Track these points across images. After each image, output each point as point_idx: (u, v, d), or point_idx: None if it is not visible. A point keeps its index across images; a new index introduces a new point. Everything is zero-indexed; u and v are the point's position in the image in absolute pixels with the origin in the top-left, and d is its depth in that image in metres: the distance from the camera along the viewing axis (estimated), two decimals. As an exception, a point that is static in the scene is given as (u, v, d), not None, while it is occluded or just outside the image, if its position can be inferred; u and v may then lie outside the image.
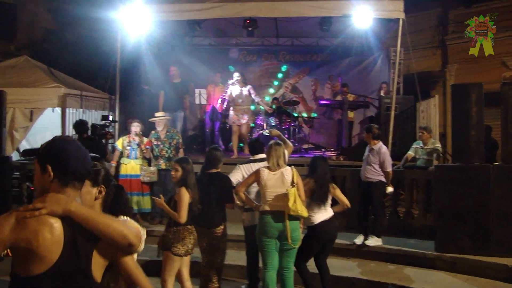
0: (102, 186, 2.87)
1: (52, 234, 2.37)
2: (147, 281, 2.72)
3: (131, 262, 2.58)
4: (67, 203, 2.43)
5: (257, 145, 7.47)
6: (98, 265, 2.50)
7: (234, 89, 12.51)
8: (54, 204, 2.41)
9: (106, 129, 9.70)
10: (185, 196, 6.05)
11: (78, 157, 2.58)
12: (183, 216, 6.04)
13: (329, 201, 6.86)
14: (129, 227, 2.46)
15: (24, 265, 2.38)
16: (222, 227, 6.65)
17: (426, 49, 17.35)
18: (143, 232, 2.66)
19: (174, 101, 12.87)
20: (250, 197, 6.68)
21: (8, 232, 2.33)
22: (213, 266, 6.66)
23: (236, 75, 12.65)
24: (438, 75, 17.91)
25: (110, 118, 10.64)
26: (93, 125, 9.39)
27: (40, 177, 2.53)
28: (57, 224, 2.40)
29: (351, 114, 14.28)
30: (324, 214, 6.74)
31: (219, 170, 6.90)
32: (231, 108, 12.67)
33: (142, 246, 2.55)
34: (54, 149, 2.57)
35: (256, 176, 6.42)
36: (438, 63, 17.92)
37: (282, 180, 6.33)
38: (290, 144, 7.59)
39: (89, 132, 10.05)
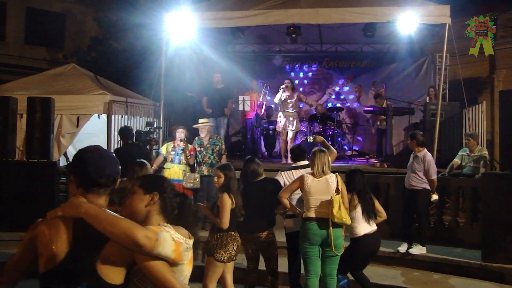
0: (155, 193, 2.90)
1: (56, 235, 2.58)
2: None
3: (159, 266, 2.58)
4: (79, 206, 2.59)
5: (299, 152, 7.46)
6: (114, 266, 2.57)
7: (283, 95, 12.55)
8: (67, 207, 2.62)
9: (151, 135, 9.82)
10: (227, 202, 6.08)
11: (98, 166, 2.75)
12: (225, 222, 6.06)
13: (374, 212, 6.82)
14: (141, 228, 2.52)
15: (36, 262, 2.64)
16: (269, 232, 6.69)
17: (472, 55, 17.06)
18: (182, 241, 2.66)
19: (217, 107, 12.95)
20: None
21: None
22: (270, 272, 6.73)
23: (286, 81, 12.69)
24: (486, 81, 17.61)
25: (155, 124, 10.77)
26: (138, 132, 9.53)
27: (70, 185, 2.82)
28: (64, 225, 2.60)
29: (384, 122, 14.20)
30: (368, 227, 6.69)
31: (263, 177, 6.93)
32: (280, 114, 12.70)
33: (160, 250, 2.56)
34: (75, 160, 2.82)
35: (300, 182, 6.41)
36: (485, 69, 17.61)
37: (326, 187, 6.30)
38: (334, 150, 7.55)
39: (134, 139, 10.20)
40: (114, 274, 2.57)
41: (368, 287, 6.80)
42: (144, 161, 6.68)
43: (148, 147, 9.56)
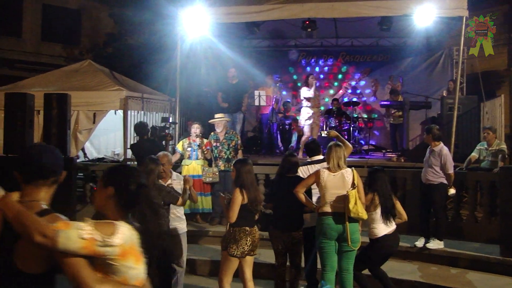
0: (109, 187, 2.96)
1: None
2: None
3: (72, 262, 2.59)
4: (2, 199, 2.74)
5: (314, 147, 7.47)
6: (32, 258, 2.73)
7: (308, 90, 12.56)
8: None
9: (166, 130, 9.84)
10: (237, 197, 6.08)
11: (33, 158, 2.96)
12: (231, 216, 6.08)
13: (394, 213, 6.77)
14: (40, 226, 2.56)
15: None
16: (299, 231, 6.72)
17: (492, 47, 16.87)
18: (98, 237, 2.64)
19: (233, 103, 12.95)
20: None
21: None
22: (292, 267, 6.78)
23: (310, 77, 12.74)
24: (504, 74, 17.42)
25: (170, 120, 10.78)
26: (153, 127, 9.55)
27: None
28: None
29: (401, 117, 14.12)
30: (387, 227, 6.63)
31: (297, 174, 6.95)
32: (305, 109, 12.68)
33: (63, 247, 2.54)
34: (18, 156, 3.11)
35: (316, 177, 6.40)
36: (504, 62, 17.42)
37: (342, 181, 6.28)
38: (350, 145, 7.52)
39: (149, 134, 10.22)
40: (31, 264, 2.74)
41: (386, 282, 6.77)
42: (154, 157, 6.74)
43: (163, 142, 9.57)
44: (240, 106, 13.12)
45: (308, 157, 7.51)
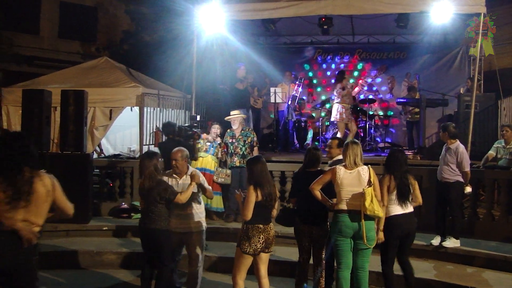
0: None
1: None
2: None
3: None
4: None
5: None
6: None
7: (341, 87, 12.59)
8: None
9: (194, 129, 9.87)
10: (251, 195, 6.07)
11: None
12: (245, 214, 6.08)
13: (411, 197, 6.71)
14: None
15: None
16: (323, 226, 6.75)
17: (510, 44, 16.69)
18: None
19: (241, 100, 13.05)
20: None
21: None
22: (317, 263, 6.83)
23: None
24: (523, 71, 17.21)
25: (198, 118, 10.82)
26: (179, 127, 9.60)
27: None
28: None
29: (418, 115, 14.01)
30: (402, 208, 6.57)
31: (319, 168, 6.96)
32: (340, 105, 12.65)
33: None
34: None
35: (332, 174, 6.38)
36: (522, 59, 17.23)
37: (358, 179, 6.26)
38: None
39: (176, 133, 10.19)
40: None
41: (410, 280, 6.74)
42: (153, 152, 6.89)
43: (191, 141, 9.61)
44: (248, 103, 13.12)
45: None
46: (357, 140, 6.69)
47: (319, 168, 6.98)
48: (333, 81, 17.14)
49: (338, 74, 13.17)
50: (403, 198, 6.56)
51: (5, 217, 4.27)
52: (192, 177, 6.62)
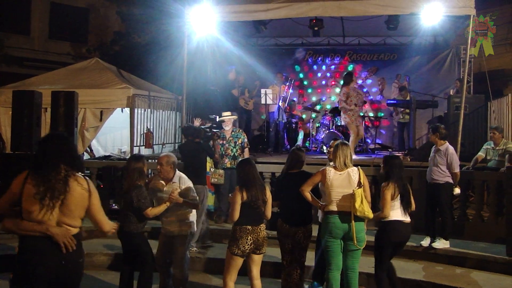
0: None
1: None
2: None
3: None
4: None
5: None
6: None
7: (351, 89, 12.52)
8: None
9: (213, 130, 9.92)
10: (235, 196, 6.11)
11: None
12: (231, 215, 6.14)
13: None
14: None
15: None
16: (307, 228, 6.77)
17: (499, 46, 16.81)
18: None
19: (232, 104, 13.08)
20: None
21: None
22: (298, 265, 6.81)
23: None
24: (512, 73, 17.34)
25: (217, 119, 10.84)
26: (199, 129, 9.66)
27: None
28: None
29: (407, 116, 14.03)
30: (403, 215, 6.56)
31: (302, 170, 6.97)
32: (350, 108, 12.58)
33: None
34: None
35: (322, 175, 6.40)
36: (511, 61, 17.33)
37: (348, 180, 6.28)
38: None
39: (196, 135, 10.18)
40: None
41: (393, 279, 6.76)
42: (140, 155, 7.01)
43: (211, 142, 9.67)
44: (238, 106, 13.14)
45: None
46: (346, 142, 6.72)
47: (302, 169, 6.99)
48: (324, 82, 17.24)
49: (345, 77, 12.92)
50: (407, 206, 6.56)
51: (38, 221, 3.93)
52: (170, 196, 6.57)
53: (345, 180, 6.29)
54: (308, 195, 6.47)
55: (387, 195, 6.46)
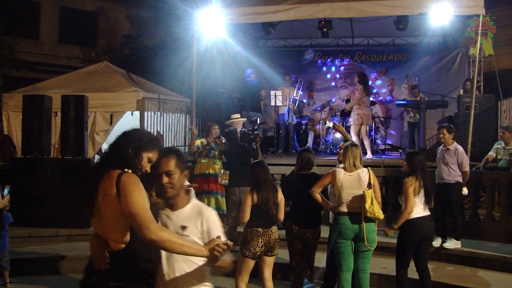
0: None
1: None
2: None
3: None
4: None
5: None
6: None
7: (358, 90, 12.51)
8: None
9: (255, 132, 9.97)
10: (246, 198, 6.16)
11: None
12: (242, 217, 6.18)
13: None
14: None
15: None
16: (316, 230, 6.81)
17: (509, 45, 16.72)
18: None
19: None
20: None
21: None
22: (307, 266, 6.85)
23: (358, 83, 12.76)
24: (522, 73, 17.21)
25: (258, 121, 10.88)
26: (243, 132, 9.75)
27: None
28: None
29: (418, 116, 13.96)
30: (423, 211, 6.52)
31: (312, 172, 7.00)
32: (358, 108, 12.55)
33: None
34: None
35: (332, 177, 6.40)
36: (522, 60, 17.24)
37: (359, 181, 6.28)
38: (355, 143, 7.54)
39: (240, 139, 10.22)
40: None
41: (426, 285, 6.72)
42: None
43: (254, 144, 9.76)
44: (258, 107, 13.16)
45: None
46: (356, 143, 6.71)
47: (312, 171, 7.00)
48: (333, 83, 17.23)
49: (362, 76, 12.89)
50: (428, 200, 6.54)
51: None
52: None
53: (355, 181, 6.28)
54: (318, 196, 6.47)
55: (409, 190, 6.41)
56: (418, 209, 6.49)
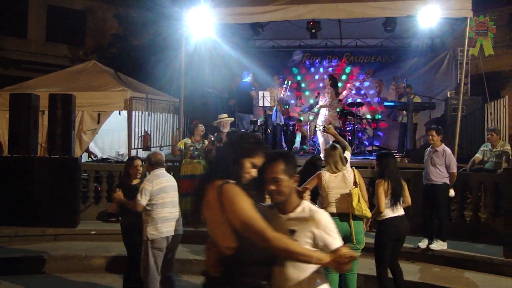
0: None
1: None
2: None
3: None
4: None
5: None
6: None
7: (329, 93, 12.57)
8: None
9: (256, 133, 9.97)
10: None
11: None
12: None
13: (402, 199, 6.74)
14: None
15: None
16: None
17: (496, 48, 16.83)
18: None
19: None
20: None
21: None
22: None
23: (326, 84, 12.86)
24: (509, 75, 17.38)
25: (259, 122, 10.85)
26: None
27: None
28: None
29: (415, 116, 14.00)
30: (393, 212, 6.60)
31: None
32: (327, 111, 12.61)
33: None
34: None
35: (318, 179, 6.45)
36: (509, 63, 17.41)
37: (344, 181, 6.34)
38: (346, 143, 7.57)
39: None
40: None
41: (399, 282, 6.78)
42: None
43: None
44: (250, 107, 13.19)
45: None
46: (336, 145, 6.73)
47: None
48: (321, 84, 17.21)
49: (333, 79, 13.06)
50: (395, 202, 6.59)
51: None
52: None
53: (341, 182, 6.35)
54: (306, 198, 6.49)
55: (379, 191, 6.52)
56: (387, 211, 6.58)
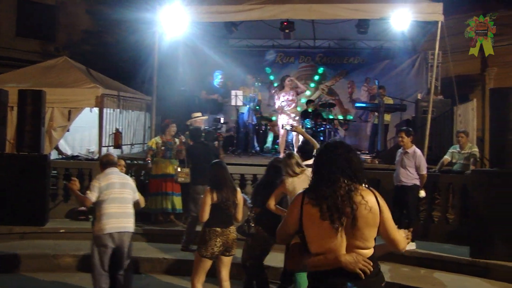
0: None
1: None
2: None
3: None
4: None
5: (309, 149, 7.50)
6: None
7: (285, 92, 12.57)
8: None
9: (218, 131, 9.92)
10: (205, 197, 6.20)
11: None
12: (201, 216, 6.20)
13: None
14: None
15: None
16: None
17: (465, 52, 17.01)
18: None
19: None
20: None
21: None
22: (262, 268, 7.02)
23: (288, 79, 12.84)
24: (477, 79, 17.64)
25: (221, 120, 10.80)
26: (207, 131, 9.68)
27: None
28: None
29: (387, 117, 14.11)
30: None
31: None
32: (282, 111, 12.64)
33: None
34: None
35: (282, 186, 6.58)
36: (477, 67, 17.64)
37: (308, 180, 6.33)
38: (315, 142, 7.61)
39: (204, 138, 10.12)
40: None
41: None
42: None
43: (216, 142, 9.69)
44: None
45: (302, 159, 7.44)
46: (293, 153, 6.87)
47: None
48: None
49: (294, 81, 13.16)
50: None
51: (327, 250, 3.28)
52: None
53: (305, 181, 6.29)
54: (274, 208, 6.56)
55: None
56: None
